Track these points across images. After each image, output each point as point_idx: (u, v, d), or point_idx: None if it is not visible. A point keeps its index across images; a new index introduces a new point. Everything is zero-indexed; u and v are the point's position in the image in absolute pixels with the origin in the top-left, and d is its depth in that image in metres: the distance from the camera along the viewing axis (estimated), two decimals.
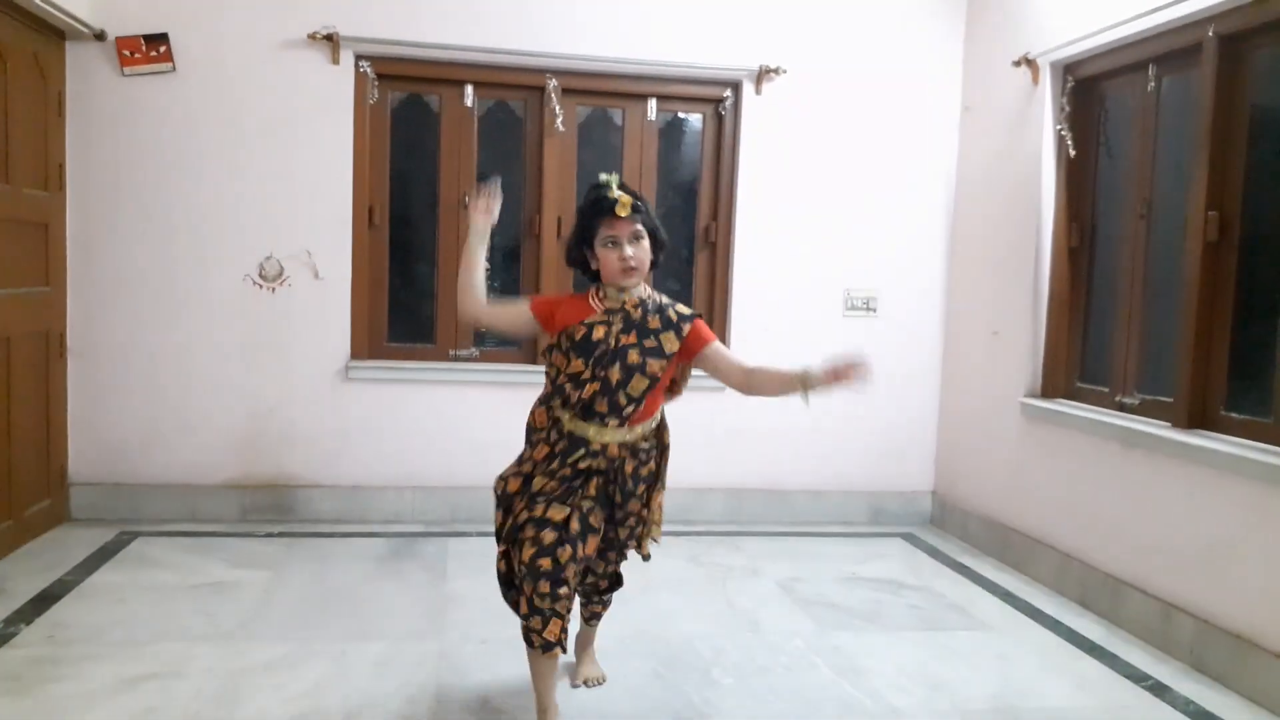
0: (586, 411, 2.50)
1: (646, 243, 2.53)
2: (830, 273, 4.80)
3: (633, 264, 2.49)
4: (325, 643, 3.15)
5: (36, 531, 4.07)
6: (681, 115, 4.82)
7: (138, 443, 4.38)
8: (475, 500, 4.54)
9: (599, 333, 2.50)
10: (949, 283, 4.92)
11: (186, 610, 3.38)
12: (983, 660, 3.26)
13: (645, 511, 2.66)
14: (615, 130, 4.75)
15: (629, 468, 2.57)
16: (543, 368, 2.68)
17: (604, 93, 4.67)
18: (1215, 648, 3.16)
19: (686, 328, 2.54)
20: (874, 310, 4.87)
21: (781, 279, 4.75)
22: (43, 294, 4.09)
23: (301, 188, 4.39)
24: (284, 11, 4.30)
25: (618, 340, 2.50)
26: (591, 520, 2.53)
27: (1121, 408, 3.80)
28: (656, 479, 2.67)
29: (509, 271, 4.78)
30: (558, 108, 4.55)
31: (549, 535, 2.47)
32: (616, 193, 2.48)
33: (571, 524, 2.49)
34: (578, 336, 2.51)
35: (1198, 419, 3.41)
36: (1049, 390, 4.23)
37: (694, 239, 4.85)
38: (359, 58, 4.40)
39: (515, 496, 2.60)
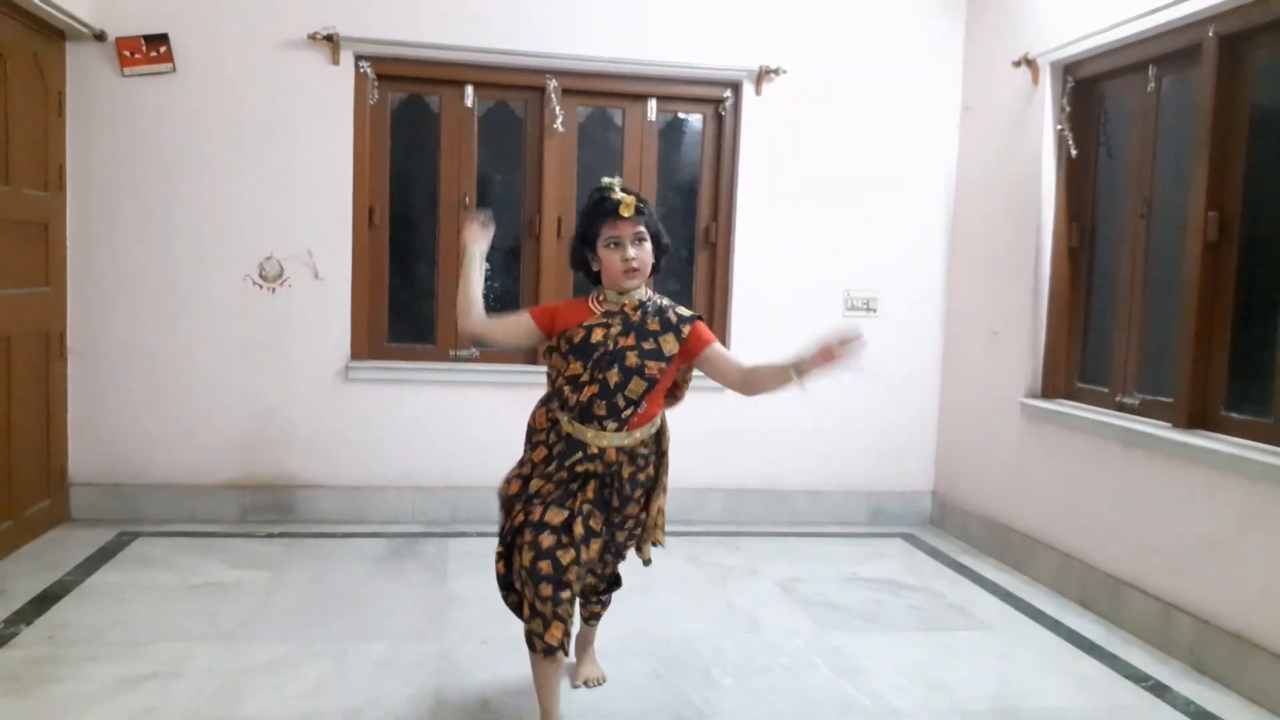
0: (585, 414, 2.49)
1: (649, 245, 2.53)
2: (830, 273, 4.80)
3: (634, 265, 2.49)
4: (325, 643, 3.15)
5: (36, 532, 4.07)
6: (681, 116, 4.82)
7: (138, 443, 4.38)
8: (475, 500, 4.54)
9: (597, 335, 2.49)
10: (949, 283, 4.92)
11: (186, 610, 3.38)
12: (983, 660, 3.27)
13: (643, 516, 2.65)
14: (615, 131, 4.75)
15: (626, 472, 2.55)
16: (543, 368, 2.68)
17: (604, 93, 4.67)
18: (1215, 648, 3.16)
19: (686, 330, 2.53)
20: (874, 310, 4.87)
21: (781, 279, 4.76)
22: (43, 294, 4.09)
23: (301, 188, 4.39)
24: (284, 12, 4.30)
25: (616, 342, 2.48)
26: (592, 523, 2.52)
27: (1121, 408, 3.80)
28: (655, 484, 2.66)
29: (509, 272, 4.78)
30: (558, 108, 4.55)
31: (547, 539, 2.46)
32: (620, 194, 2.48)
33: (574, 528, 2.48)
34: (576, 339, 2.50)
35: (1198, 419, 3.41)
36: (1049, 390, 4.23)
37: (694, 239, 4.85)
38: (359, 58, 4.40)
39: (515, 500, 2.60)
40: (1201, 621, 3.23)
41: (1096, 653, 3.37)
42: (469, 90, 4.55)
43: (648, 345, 2.49)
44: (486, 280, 4.70)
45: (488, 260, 4.69)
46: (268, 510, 4.47)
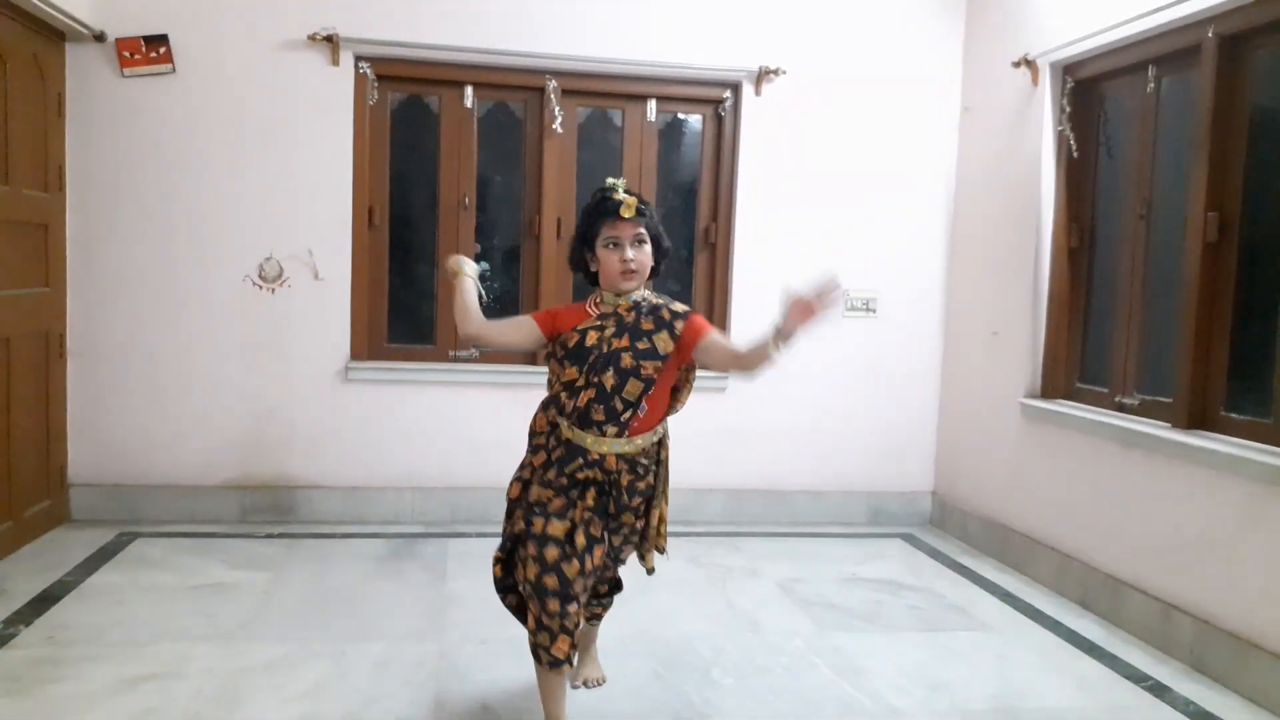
0: (583, 419, 2.45)
1: (648, 248, 2.50)
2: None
3: (633, 267, 2.46)
4: (325, 643, 3.15)
5: (36, 532, 4.07)
6: (681, 116, 4.82)
7: (137, 443, 4.38)
8: (475, 501, 4.54)
9: (591, 338, 2.46)
10: (949, 283, 4.92)
11: (186, 611, 3.38)
12: (982, 661, 3.26)
13: (642, 524, 2.61)
14: (615, 131, 4.75)
15: (625, 480, 2.51)
16: (543, 368, 2.68)
17: (603, 94, 4.67)
18: (1215, 648, 3.16)
19: (680, 325, 2.49)
20: (874, 311, 4.87)
21: (781, 279, 4.73)
22: (43, 295, 4.09)
23: (301, 188, 4.39)
24: (284, 12, 4.30)
25: (610, 344, 2.45)
26: (592, 530, 2.49)
27: (1121, 408, 3.80)
28: (655, 492, 2.61)
29: (509, 272, 4.78)
30: (557, 109, 4.55)
31: (552, 552, 2.43)
32: (622, 194, 2.46)
33: (576, 539, 2.45)
34: (571, 343, 2.48)
35: (1197, 419, 3.41)
36: (1049, 391, 4.23)
37: (694, 240, 4.85)
38: (359, 59, 4.41)
39: (516, 504, 2.59)
40: (1201, 622, 3.23)
41: (1096, 653, 3.37)
42: (468, 91, 4.55)
43: (642, 345, 2.46)
44: (486, 280, 4.71)
45: (486, 260, 4.74)
46: (267, 511, 4.47)
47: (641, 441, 2.50)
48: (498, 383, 4.58)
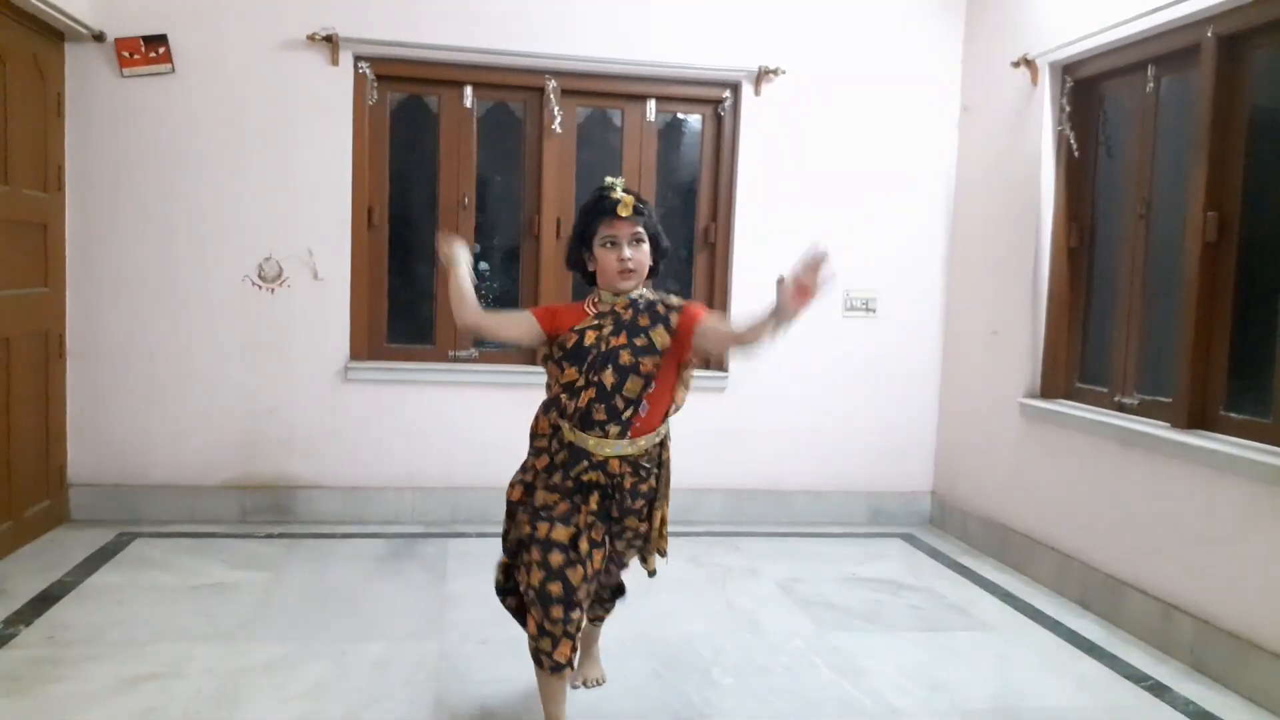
0: (585, 420, 2.43)
1: (647, 247, 2.48)
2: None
3: (630, 266, 2.43)
4: (325, 643, 3.15)
5: (36, 532, 4.07)
6: (681, 116, 4.82)
7: (137, 443, 4.38)
8: (475, 501, 4.54)
9: (590, 338, 2.44)
10: (948, 283, 4.93)
11: (186, 611, 3.38)
12: (982, 660, 3.27)
13: (644, 528, 2.58)
14: (614, 131, 4.75)
15: (628, 484, 2.49)
16: (542, 367, 2.66)
17: (603, 93, 4.67)
18: (1215, 648, 3.16)
19: (675, 318, 2.45)
20: (873, 311, 4.87)
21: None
22: (42, 295, 4.09)
23: (301, 188, 4.39)
24: (283, 12, 4.30)
25: (608, 343, 2.43)
26: (594, 534, 2.48)
27: (1121, 408, 3.81)
28: (657, 495, 2.59)
29: (508, 272, 4.78)
30: (557, 109, 4.55)
31: (556, 557, 2.42)
32: (619, 193, 2.44)
33: (580, 544, 2.44)
34: (569, 344, 2.45)
35: (1197, 419, 3.41)
36: (1048, 390, 4.23)
37: (693, 240, 4.85)
38: (358, 59, 4.41)
39: (518, 506, 2.56)
40: (1201, 621, 3.23)
41: (1096, 653, 3.37)
42: (468, 91, 4.55)
43: (640, 341, 2.43)
44: (486, 280, 4.72)
45: (485, 260, 4.74)
46: (267, 510, 4.47)
47: (644, 443, 2.48)
48: (498, 383, 4.58)
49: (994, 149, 4.54)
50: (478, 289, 2.63)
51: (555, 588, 2.41)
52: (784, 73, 4.65)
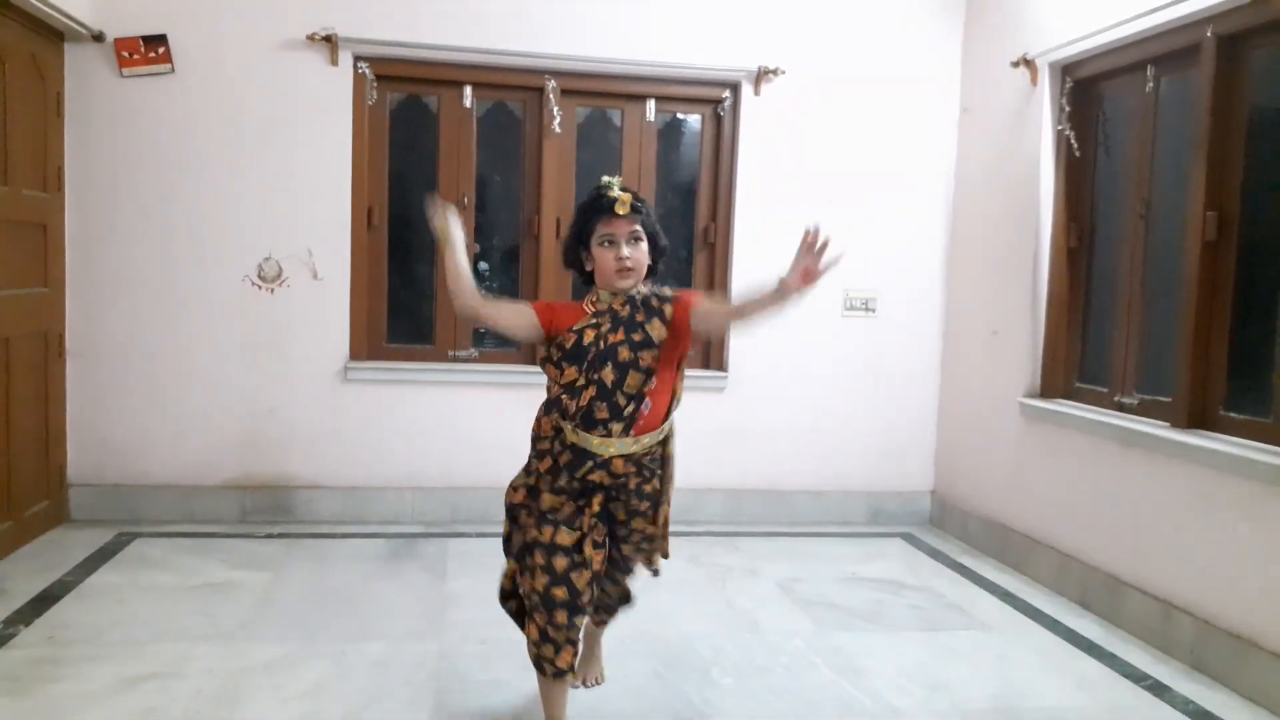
0: (587, 420, 2.39)
1: (645, 245, 2.45)
2: (829, 273, 4.79)
3: (629, 264, 2.40)
4: (325, 643, 3.15)
5: (36, 532, 4.06)
6: (680, 116, 4.82)
7: (137, 443, 4.38)
8: (475, 500, 4.54)
9: (589, 336, 2.41)
10: (948, 283, 4.93)
11: (186, 611, 3.38)
12: (982, 660, 3.27)
13: (651, 529, 2.56)
14: (614, 131, 4.75)
15: (633, 484, 2.47)
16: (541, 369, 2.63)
17: (603, 93, 4.67)
18: (1215, 647, 3.16)
19: (669, 309, 2.42)
20: (873, 310, 4.87)
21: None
22: (42, 295, 4.09)
23: (300, 188, 4.39)
24: (283, 12, 4.30)
25: (606, 340, 2.40)
26: (595, 536, 2.47)
27: (1121, 408, 3.81)
28: (661, 494, 2.57)
29: (508, 272, 4.78)
30: (556, 109, 4.55)
31: (561, 562, 2.41)
32: (616, 191, 2.41)
33: (584, 547, 2.43)
34: (568, 345, 2.42)
35: (1197, 419, 3.41)
36: (1048, 390, 4.23)
37: (693, 240, 4.85)
38: (358, 59, 4.40)
39: (521, 509, 2.53)
40: (1201, 621, 3.23)
41: (1096, 652, 3.37)
42: (468, 91, 4.55)
43: (637, 336, 2.40)
44: (486, 280, 4.71)
45: (485, 260, 4.73)
46: (267, 510, 4.47)
47: (648, 440, 2.45)
48: (498, 382, 4.58)
49: (994, 149, 4.54)
50: (477, 289, 2.60)
51: (560, 592, 2.40)
52: (784, 73, 4.65)
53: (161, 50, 4.22)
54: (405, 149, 4.61)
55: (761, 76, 4.64)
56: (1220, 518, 3.19)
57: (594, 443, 2.41)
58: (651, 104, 4.70)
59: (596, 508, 2.46)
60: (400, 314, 4.68)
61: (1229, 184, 3.33)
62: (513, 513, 2.56)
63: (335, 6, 4.32)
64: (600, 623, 2.88)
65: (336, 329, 4.47)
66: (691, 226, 4.85)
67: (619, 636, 3.21)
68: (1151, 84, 3.70)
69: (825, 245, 2.17)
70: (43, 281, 4.10)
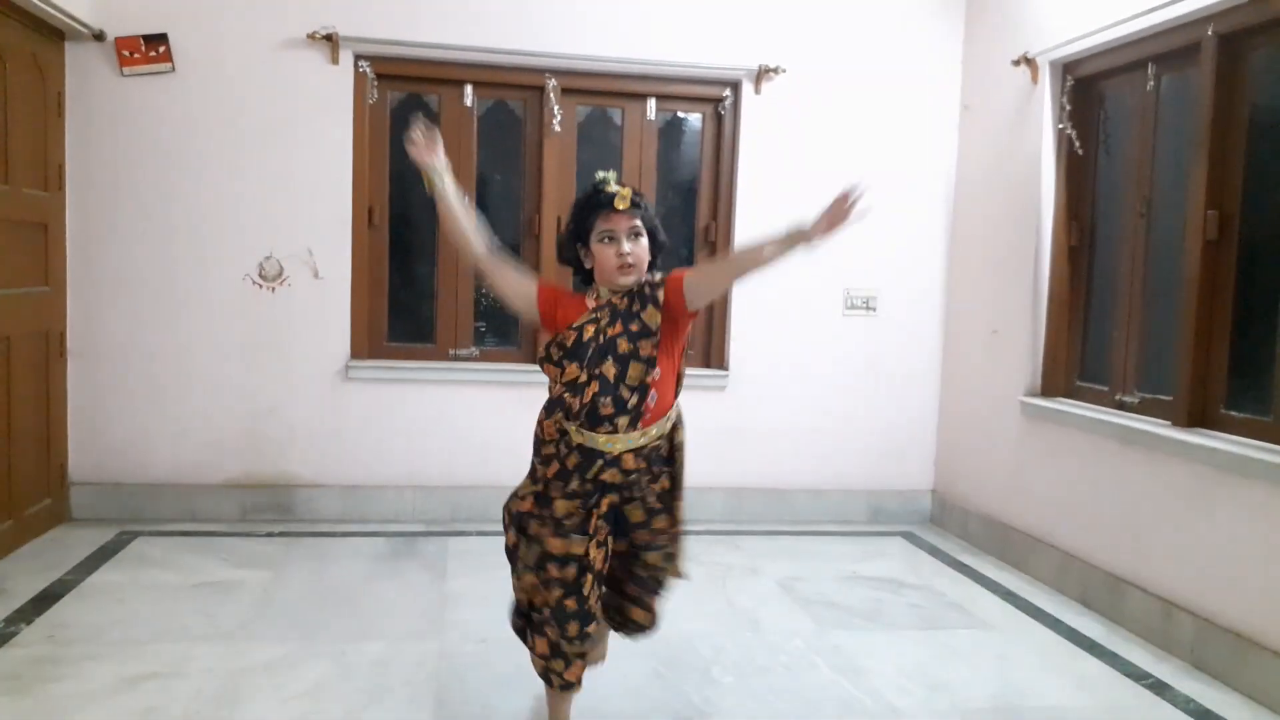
0: (592, 417, 2.33)
1: (645, 241, 2.39)
2: (830, 272, 4.80)
3: (630, 261, 2.33)
4: (325, 643, 3.15)
5: (37, 531, 4.07)
6: (681, 115, 4.82)
7: (137, 442, 4.38)
8: (475, 499, 4.54)
9: (588, 332, 2.37)
10: (949, 282, 4.92)
11: (186, 610, 3.38)
12: (983, 659, 3.26)
13: (676, 526, 2.51)
14: (614, 130, 4.75)
15: (645, 480, 2.43)
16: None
17: (603, 92, 4.67)
18: (1216, 646, 3.16)
19: (661, 292, 2.35)
20: (874, 310, 4.87)
21: (781, 278, 4.72)
22: (42, 294, 4.10)
23: (301, 188, 4.39)
24: (283, 11, 4.30)
25: (605, 334, 2.35)
26: (600, 537, 2.42)
27: (1121, 406, 3.80)
28: (677, 488, 2.53)
29: None
30: (557, 107, 4.55)
31: (571, 571, 2.37)
32: (615, 186, 2.35)
33: (591, 551, 2.38)
34: (569, 342, 2.37)
35: (1198, 417, 3.41)
36: (1049, 389, 4.23)
37: (693, 238, 4.85)
38: (358, 58, 4.41)
39: (531, 519, 2.43)
40: (1202, 620, 3.23)
41: (1096, 651, 3.37)
42: (468, 90, 4.55)
43: (634, 327, 2.35)
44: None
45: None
46: (267, 510, 4.47)
47: (655, 431, 2.41)
48: (498, 381, 4.58)
49: (994, 148, 4.54)
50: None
51: (572, 603, 2.38)
52: (784, 71, 4.65)
53: (162, 49, 4.22)
54: (405, 148, 4.59)
55: (762, 75, 4.64)
56: (1221, 516, 3.18)
57: (600, 441, 2.35)
58: (652, 103, 4.70)
59: (605, 508, 2.41)
60: (401, 313, 4.69)
61: (1230, 183, 3.32)
62: (520, 522, 2.46)
63: (336, 6, 4.32)
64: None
65: (337, 328, 4.47)
66: (692, 225, 4.85)
67: (618, 635, 3.21)
68: (1152, 83, 3.70)
69: (859, 199, 2.13)
70: (43, 281, 4.10)
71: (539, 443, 2.48)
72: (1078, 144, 4.07)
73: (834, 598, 3.80)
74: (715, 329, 4.85)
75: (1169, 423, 3.49)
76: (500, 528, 2.58)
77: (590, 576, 2.40)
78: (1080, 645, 3.42)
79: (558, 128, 4.57)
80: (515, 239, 4.72)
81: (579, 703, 2.77)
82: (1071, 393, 4.15)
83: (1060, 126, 4.13)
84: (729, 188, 4.75)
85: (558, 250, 2.53)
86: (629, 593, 2.61)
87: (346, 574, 3.83)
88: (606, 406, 2.33)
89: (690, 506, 4.58)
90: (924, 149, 4.85)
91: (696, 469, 4.58)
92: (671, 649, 3.21)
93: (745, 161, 4.70)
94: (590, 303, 2.42)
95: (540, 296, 2.44)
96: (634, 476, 2.41)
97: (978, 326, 4.65)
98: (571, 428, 2.38)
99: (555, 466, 2.41)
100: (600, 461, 2.37)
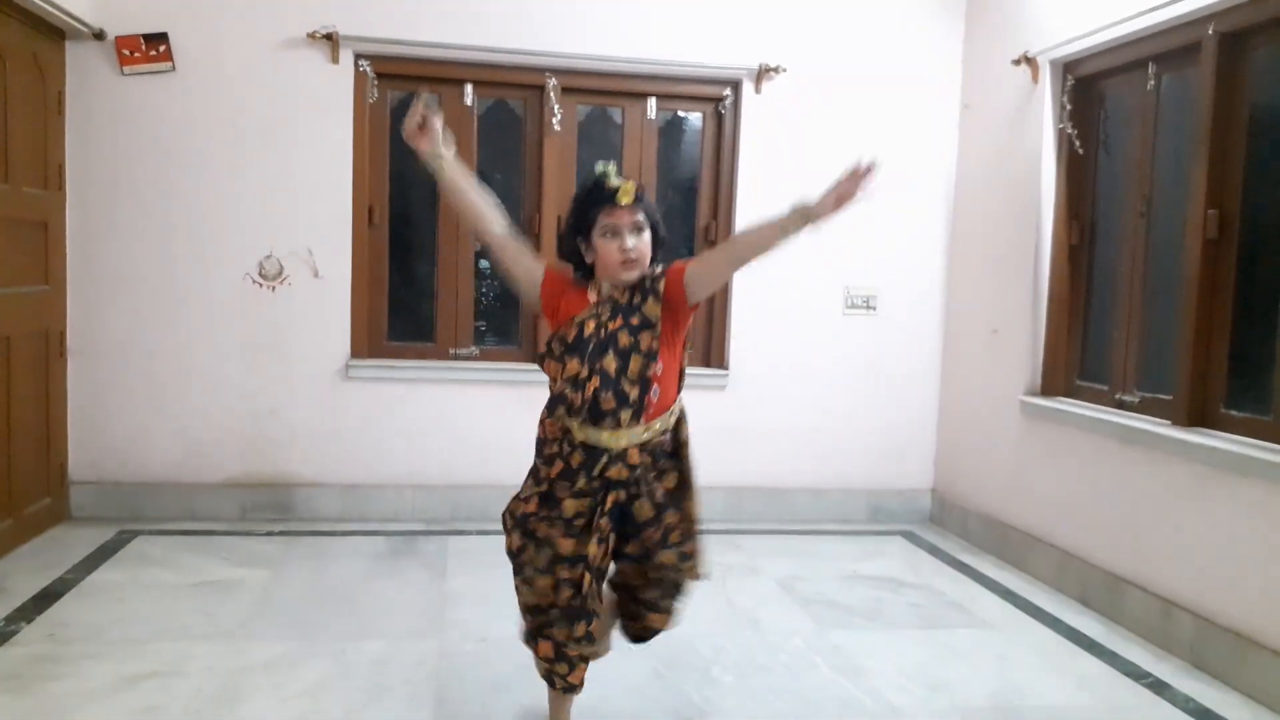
0: (594, 412, 2.31)
1: (648, 235, 2.36)
2: (830, 271, 4.80)
3: (633, 256, 2.30)
4: (325, 641, 3.15)
5: (37, 530, 4.07)
6: (681, 114, 4.82)
7: (137, 441, 4.38)
8: (475, 498, 4.54)
9: (589, 328, 2.34)
10: (949, 281, 4.92)
11: (186, 609, 3.38)
12: (982, 658, 3.26)
13: (688, 522, 2.48)
14: (615, 129, 4.75)
15: (652, 475, 2.41)
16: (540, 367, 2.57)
17: (604, 91, 4.67)
18: (1215, 645, 3.16)
19: (661, 284, 2.33)
20: (874, 309, 4.87)
21: (781, 277, 4.75)
22: (42, 293, 4.09)
23: (301, 187, 4.39)
24: (283, 11, 4.30)
25: (606, 329, 2.33)
26: (602, 533, 2.38)
27: (1121, 405, 3.80)
28: (684, 484, 2.50)
29: None
30: (557, 107, 4.55)
31: (578, 572, 2.36)
32: (617, 180, 2.32)
33: (592, 549, 2.36)
34: (570, 338, 2.35)
35: (1197, 417, 3.41)
36: (1049, 388, 4.23)
37: (694, 237, 4.84)
38: (358, 57, 4.40)
39: (540, 520, 2.39)
40: (1201, 619, 3.23)
41: (1096, 650, 3.37)
42: (468, 89, 4.55)
43: (635, 320, 2.33)
44: (485, 278, 4.71)
45: (486, 259, 4.73)
46: (267, 508, 4.47)
47: (659, 426, 2.39)
48: (499, 380, 4.58)
49: (994, 147, 4.54)
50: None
51: (579, 602, 2.36)
52: (785, 71, 4.65)
53: (162, 48, 4.22)
54: (406, 147, 4.52)
55: (763, 74, 4.64)
56: (1221, 515, 3.18)
57: (604, 436, 2.33)
58: (652, 102, 4.69)
59: (610, 505, 2.37)
60: (401, 312, 4.68)
61: (1230, 182, 3.32)
62: (525, 524, 2.42)
63: (336, 5, 4.32)
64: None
65: (337, 327, 4.47)
66: (692, 224, 4.84)
67: (618, 635, 3.21)
68: (1153, 82, 3.70)
69: (870, 172, 2.11)
70: (43, 279, 4.10)
71: (541, 443, 2.47)
72: (1078, 143, 4.07)
73: (834, 597, 3.80)
74: (715, 328, 4.85)
75: (1169, 422, 3.49)
76: (500, 527, 2.55)
77: (592, 574, 2.38)
78: (1080, 644, 3.42)
79: (558, 127, 4.56)
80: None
81: (579, 702, 2.77)
82: (1071, 392, 4.15)
83: (1060, 126, 4.13)
84: (729, 187, 4.75)
85: (557, 245, 2.50)
86: (646, 598, 2.55)
87: (346, 573, 3.83)
88: (608, 401, 2.31)
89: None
90: (924, 148, 4.85)
91: (697, 468, 4.61)
92: (671, 649, 3.21)
93: (745, 161, 4.70)
94: (592, 297, 2.39)
95: (545, 282, 2.43)
96: (639, 472, 2.38)
97: (978, 326, 4.65)
98: (574, 425, 2.36)
99: (559, 466, 2.39)
100: (605, 458, 2.34)
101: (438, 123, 2.42)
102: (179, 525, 4.31)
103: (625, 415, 2.32)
